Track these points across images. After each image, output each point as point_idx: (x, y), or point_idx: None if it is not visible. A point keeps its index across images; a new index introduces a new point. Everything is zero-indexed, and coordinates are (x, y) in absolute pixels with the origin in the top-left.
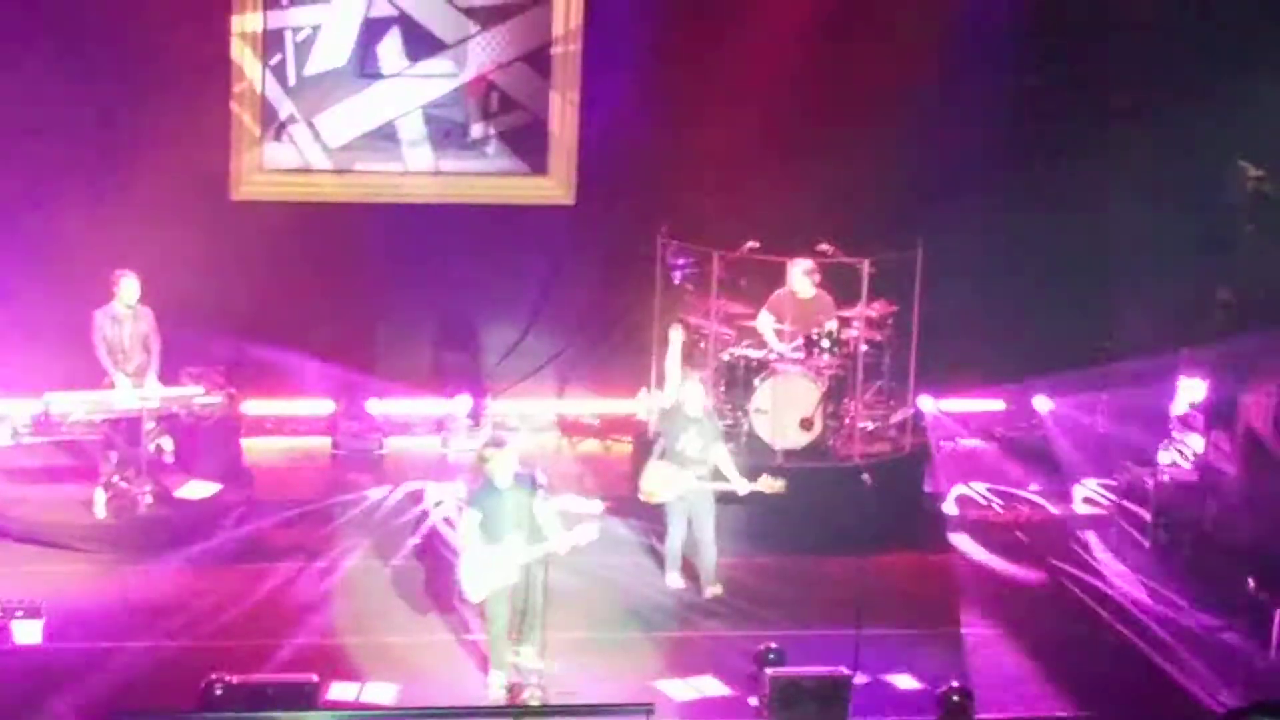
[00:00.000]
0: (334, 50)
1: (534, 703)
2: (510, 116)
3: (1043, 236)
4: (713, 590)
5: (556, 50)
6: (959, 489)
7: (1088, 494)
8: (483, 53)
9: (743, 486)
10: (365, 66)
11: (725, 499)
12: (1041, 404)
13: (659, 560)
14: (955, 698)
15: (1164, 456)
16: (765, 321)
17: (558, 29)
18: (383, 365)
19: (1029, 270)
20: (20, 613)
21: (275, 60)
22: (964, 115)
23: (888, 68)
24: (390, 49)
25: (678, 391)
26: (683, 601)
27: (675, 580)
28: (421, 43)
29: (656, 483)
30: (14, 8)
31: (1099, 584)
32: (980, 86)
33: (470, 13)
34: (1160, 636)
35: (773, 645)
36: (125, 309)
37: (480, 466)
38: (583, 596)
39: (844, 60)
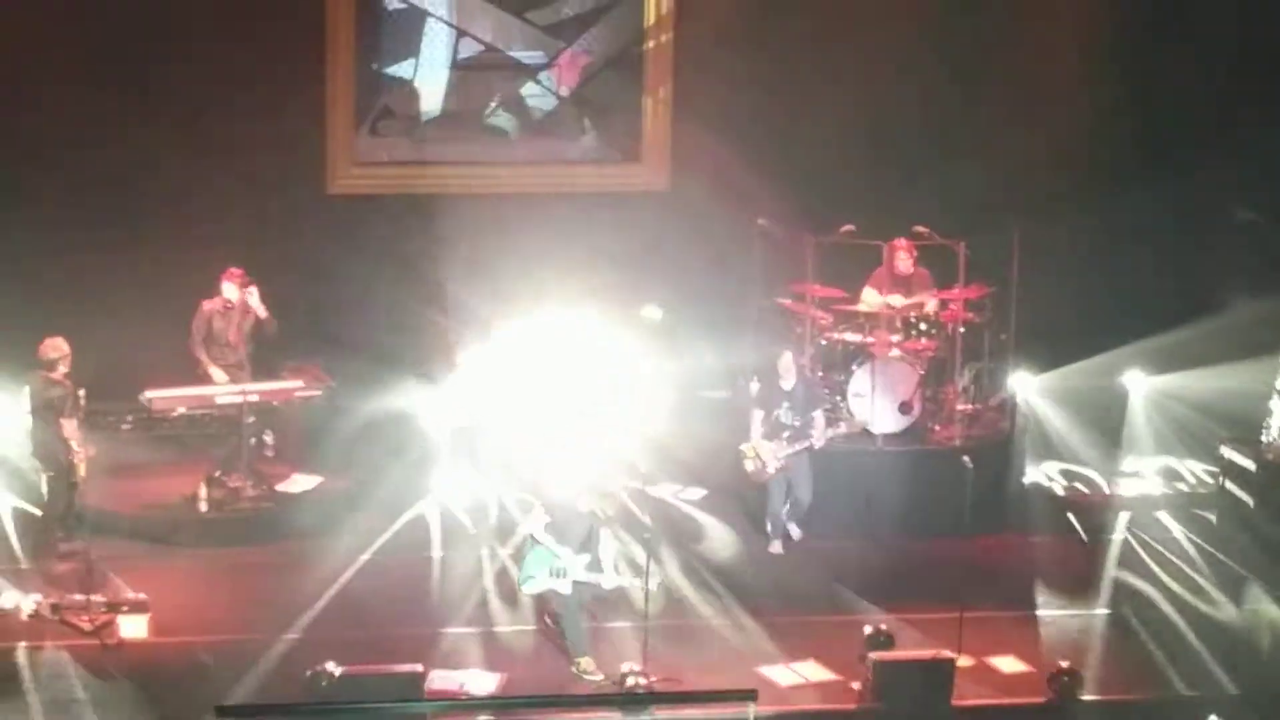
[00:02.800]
0: (430, 99)
1: (638, 690)
2: (604, 102)
3: (1141, 216)
4: (796, 529)
5: (648, 44)
6: (1057, 469)
7: (1186, 473)
8: (578, 37)
9: (825, 433)
10: (461, 56)
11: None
12: (1135, 380)
13: (758, 542)
14: (1065, 679)
15: (1267, 435)
16: (870, 294)
17: (649, 19)
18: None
19: (1127, 249)
20: (126, 608)
21: (375, 39)
22: (1061, 96)
23: (982, 49)
24: (483, 84)
25: (779, 368)
26: (784, 587)
27: (778, 548)
28: (524, 23)
29: (762, 457)
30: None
31: (1194, 564)
32: (1076, 66)
33: (552, 30)
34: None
35: (882, 627)
36: (230, 304)
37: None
38: (684, 583)
39: (938, 43)
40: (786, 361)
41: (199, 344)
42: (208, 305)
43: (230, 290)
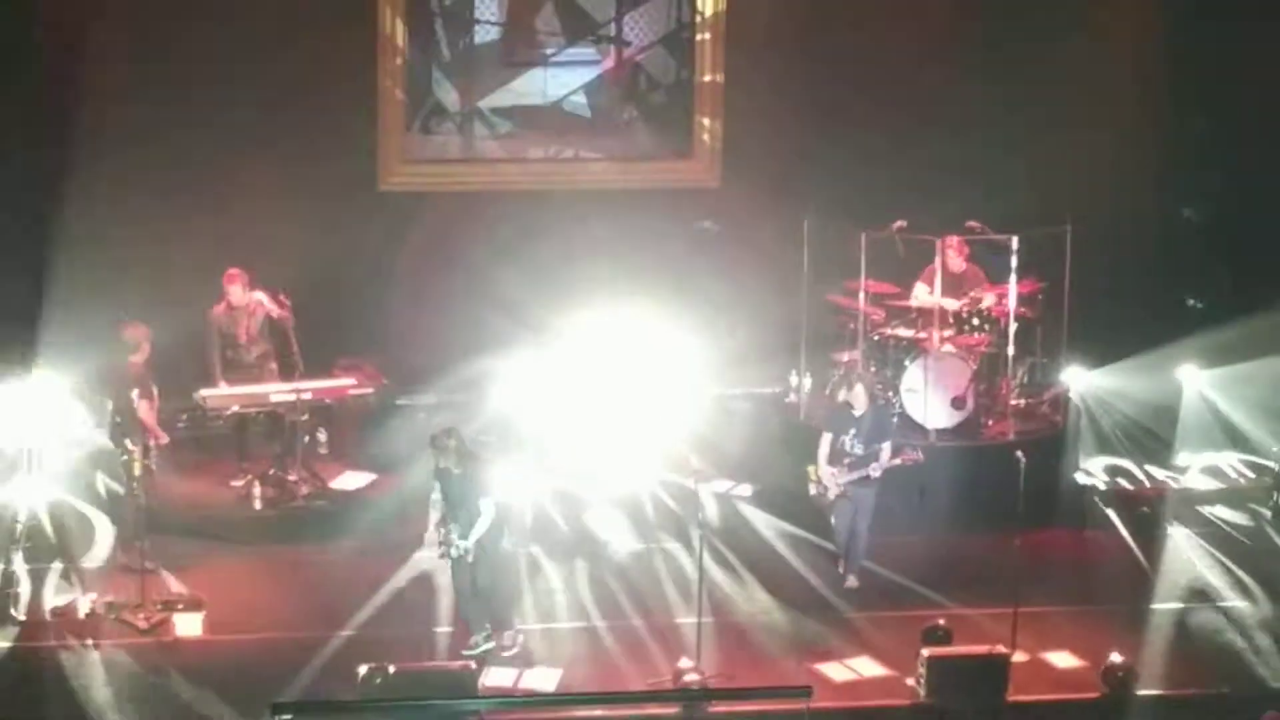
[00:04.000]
0: (480, 32)
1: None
2: (654, 98)
3: (1195, 209)
4: (854, 579)
5: (699, 40)
6: (1110, 464)
7: (1241, 467)
8: (628, 34)
9: (883, 463)
10: (520, 41)
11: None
12: (1189, 373)
13: (810, 542)
14: (1119, 674)
15: None
16: (921, 291)
17: (703, 8)
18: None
19: (1181, 242)
20: (182, 605)
21: (426, 37)
22: (1114, 90)
23: (1036, 42)
24: (546, 22)
25: (844, 392)
26: (839, 582)
27: (853, 581)
28: (574, 18)
29: (823, 481)
30: (175, 10)
31: (1249, 560)
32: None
33: (604, 26)
34: None
35: (941, 622)
36: (239, 303)
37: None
38: (740, 579)
39: (991, 37)
40: (859, 391)
41: (213, 351)
42: (215, 311)
43: (234, 292)
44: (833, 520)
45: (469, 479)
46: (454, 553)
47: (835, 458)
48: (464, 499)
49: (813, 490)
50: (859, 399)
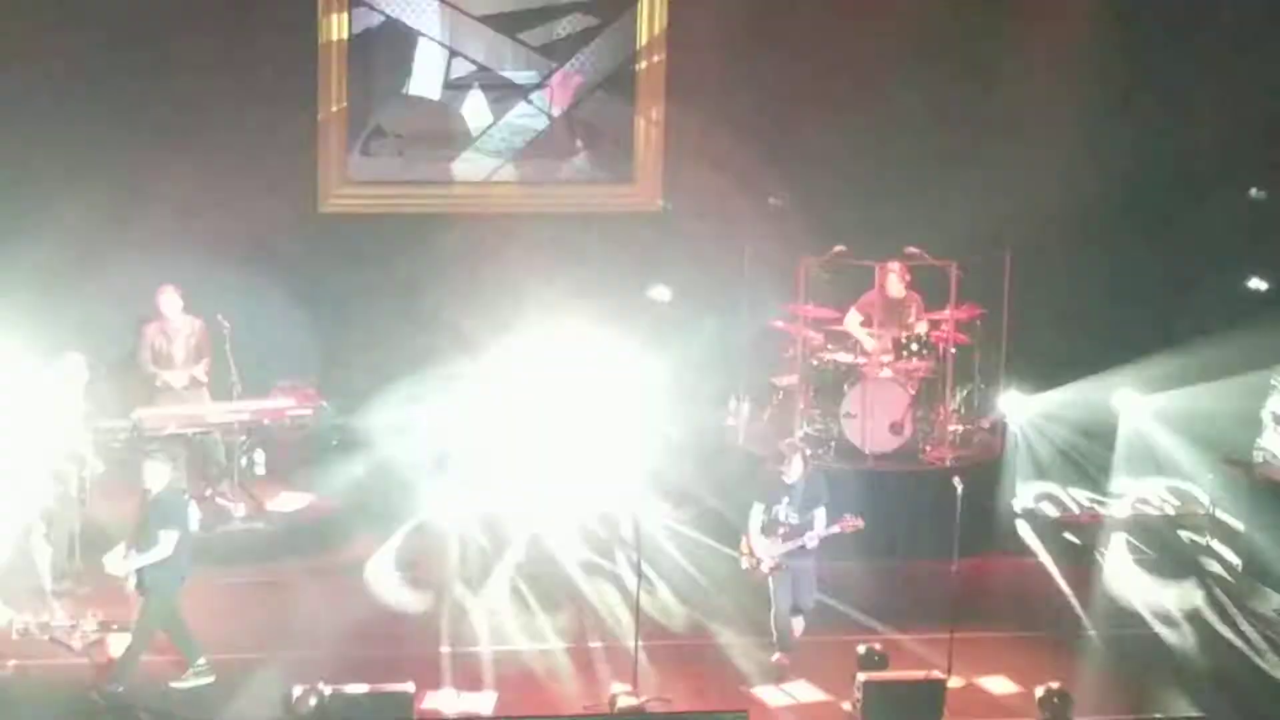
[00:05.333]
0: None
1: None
2: (596, 122)
3: (1133, 237)
4: (785, 659)
5: (640, 65)
6: (1047, 490)
7: (1177, 494)
8: (569, 57)
9: (822, 532)
10: (452, 76)
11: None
12: (1125, 401)
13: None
14: (1055, 700)
15: (1258, 456)
16: (853, 320)
17: (641, 40)
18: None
19: (1119, 270)
20: (117, 626)
21: (367, 58)
22: (1053, 117)
23: (975, 72)
24: (474, 106)
25: (781, 465)
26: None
27: (783, 660)
28: (504, 93)
29: (756, 554)
30: (103, 15)
31: (1189, 585)
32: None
33: (545, 50)
34: (1259, 637)
35: (876, 647)
36: (173, 322)
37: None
38: (676, 602)
39: (929, 65)
40: (794, 457)
41: (148, 365)
42: (147, 328)
43: (165, 302)
44: (773, 600)
45: (158, 505)
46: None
47: (769, 528)
48: (147, 524)
49: (744, 565)
50: (792, 464)
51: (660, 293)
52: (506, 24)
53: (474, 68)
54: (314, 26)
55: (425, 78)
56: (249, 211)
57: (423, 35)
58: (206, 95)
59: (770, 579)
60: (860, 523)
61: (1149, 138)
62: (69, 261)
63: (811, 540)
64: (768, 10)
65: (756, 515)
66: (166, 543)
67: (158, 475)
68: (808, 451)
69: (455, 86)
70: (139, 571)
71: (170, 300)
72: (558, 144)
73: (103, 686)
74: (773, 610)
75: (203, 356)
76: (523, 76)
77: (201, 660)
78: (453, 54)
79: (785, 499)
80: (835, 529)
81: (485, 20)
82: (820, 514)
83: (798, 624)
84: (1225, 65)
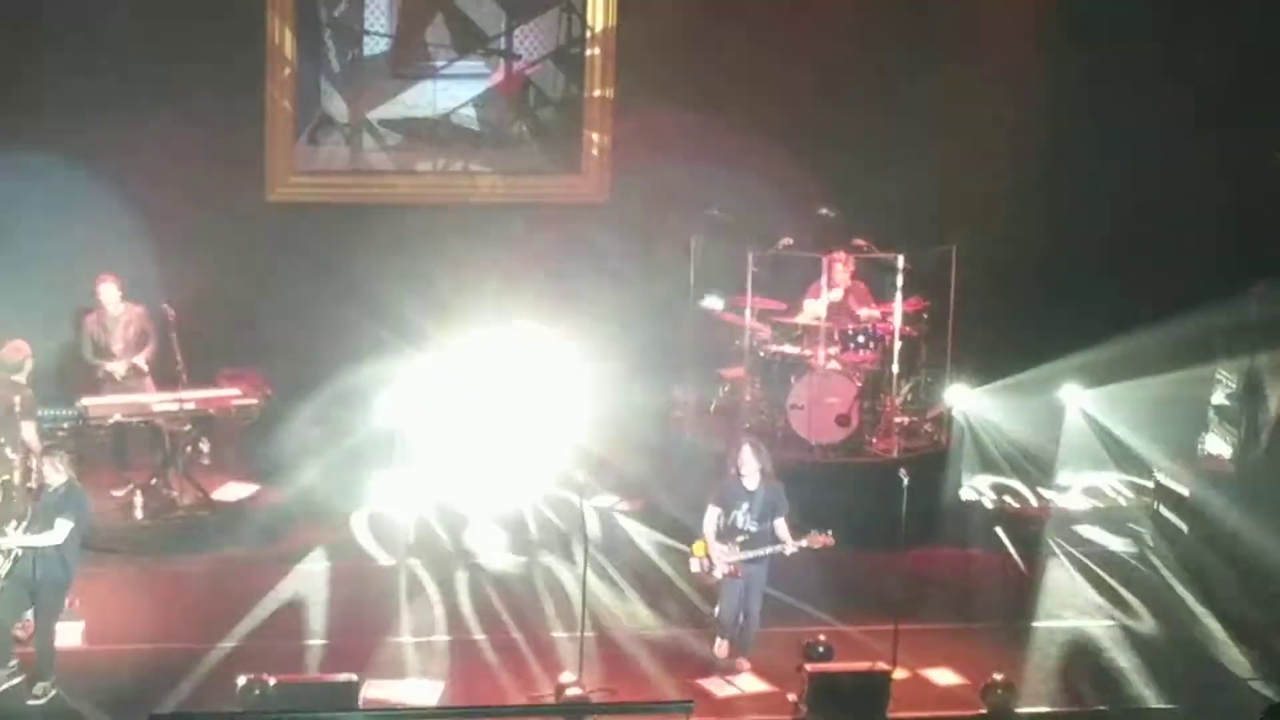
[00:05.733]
0: (369, 43)
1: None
2: (544, 113)
3: (1078, 229)
4: (746, 663)
5: (588, 55)
6: (993, 482)
7: (1122, 487)
8: (518, 48)
9: (790, 547)
10: (400, 67)
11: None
12: (1071, 393)
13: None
14: (999, 691)
15: (1202, 449)
16: (811, 306)
17: (593, 24)
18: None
19: (1064, 262)
20: (60, 615)
21: (311, 59)
22: (999, 109)
23: (920, 63)
24: (436, 35)
25: (734, 461)
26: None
27: (724, 650)
28: (465, 34)
29: (711, 558)
30: (47, 6)
31: (1127, 579)
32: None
33: (494, 40)
34: (1207, 630)
35: (821, 638)
36: (111, 311)
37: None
38: (623, 594)
39: (876, 55)
40: (746, 454)
41: (89, 355)
42: (87, 318)
43: (105, 291)
44: (720, 602)
45: (59, 495)
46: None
47: (725, 534)
48: (45, 511)
49: (695, 567)
50: (747, 465)
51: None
52: (454, 13)
53: (422, 57)
54: (262, 14)
55: (373, 67)
56: (196, 199)
57: (371, 24)
58: (153, 83)
59: (721, 586)
60: (831, 540)
61: (1095, 129)
62: (11, 249)
63: (790, 549)
64: (719, 4)
65: (712, 519)
66: (60, 529)
67: (57, 471)
68: (765, 454)
69: (404, 76)
70: (34, 564)
71: (108, 290)
72: (506, 134)
73: (35, 688)
74: (717, 612)
75: (145, 345)
76: (472, 67)
77: (13, 662)
78: (401, 43)
79: (745, 505)
80: (804, 543)
81: (434, 6)
82: (780, 524)
83: (753, 625)
84: (1171, 51)
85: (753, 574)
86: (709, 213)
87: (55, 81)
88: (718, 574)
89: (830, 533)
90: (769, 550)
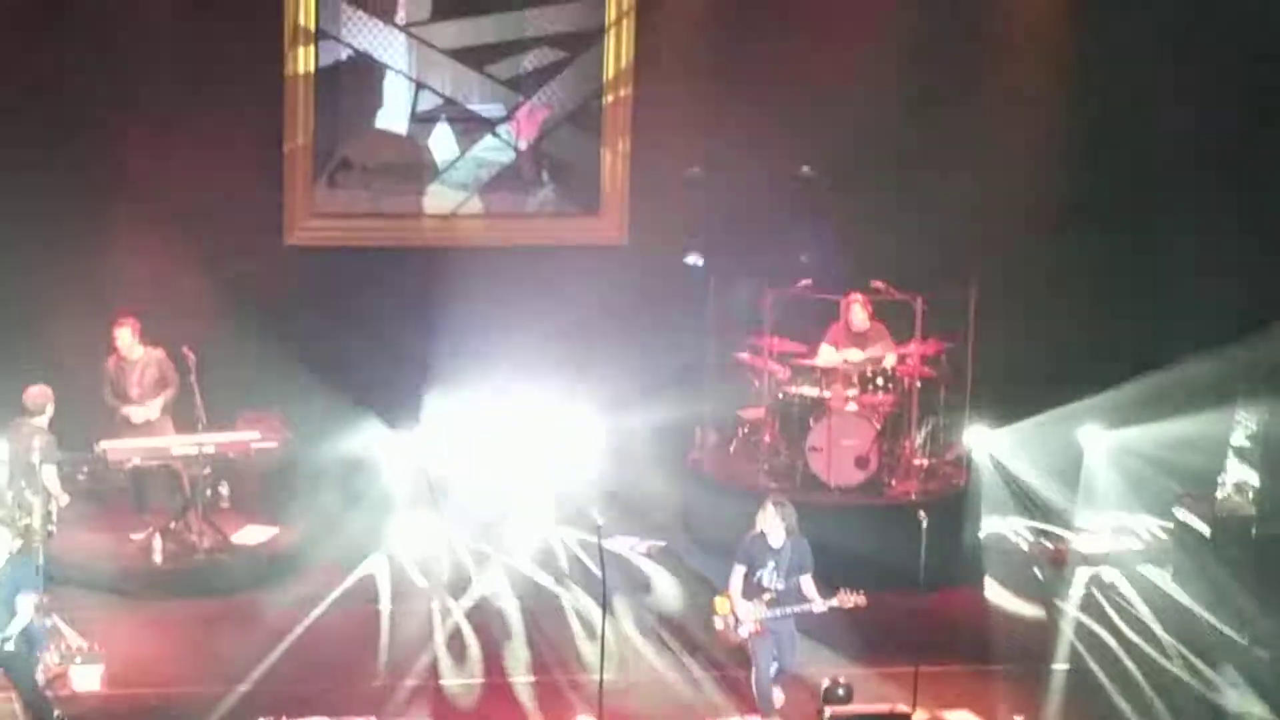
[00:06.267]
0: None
1: None
2: (561, 155)
3: (1098, 270)
4: (780, 694)
5: (607, 98)
6: (1013, 524)
7: (1141, 529)
8: (535, 91)
9: (819, 606)
10: (418, 109)
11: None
12: (1090, 435)
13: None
14: None
15: (1221, 490)
16: (827, 353)
17: (608, 74)
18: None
19: (1084, 305)
20: (79, 659)
21: (333, 90)
22: (1018, 150)
23: (940, 103)
24: (442, 140)
25: (757, 520)
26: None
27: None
28: (470, 126)
29: (737, 615)
30: (68, 50)
31: (1148, 620)
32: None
33: (512, 83)
34: (1227, 671)
35: (840, 680)
36: (128, 355)
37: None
38: (642, 636)
39: (895, 97)
40: (771, 515)
41: (108, 398)
42: (109, 360)
43: (121, 336)
44: (754, 663)
45: (11, 572)
46: None
47: (751, 591)
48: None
49: (719, 625)
50: (770, 523)
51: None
52: (473, 58)
53: (440, 101)
54: (280, 59)
55: (392, 111)
56: (215, 243)
57: (389, 68)
58: (173, 127)
59: (753, 645)
60: (862, 599)
61: (1114, 172)
62: (32, 291)
63: (820, 608)
64: (733, 45)
65: (738, 577)
66: (26, 607)
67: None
68: (790, 512)
69: (422, 119)
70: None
71: (123, 334)
72: (524, 177)
73: None
74: (754, 674)
75: (164, 389)
76: (489, 110)
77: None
78: (419, 87)
79: (771, 563)
80: (834, 603)
81: (452, 54)
82: (807, 580)
83: (779, 693)
84: (1193, 100)
85: (781, 630)
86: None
87: (74, 122)
88: (743, 633)
89: (862, 592)
90: (796, 609)
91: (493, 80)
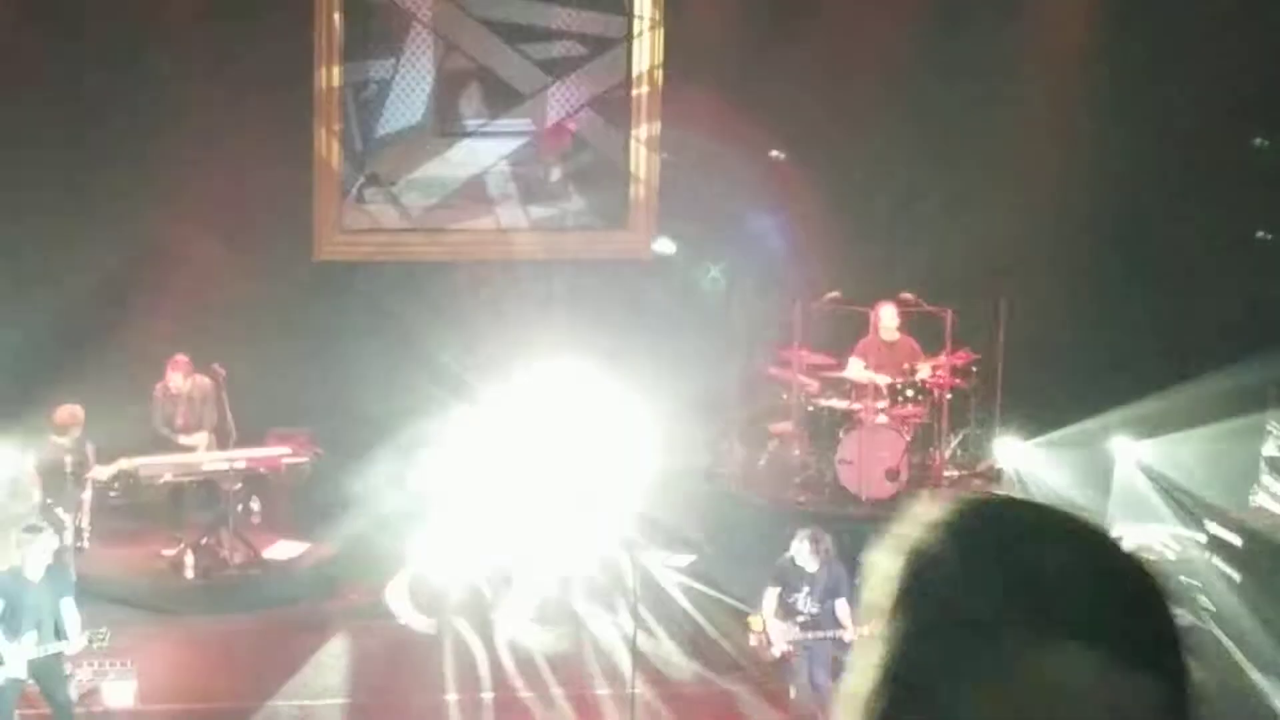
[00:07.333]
0: (410, 105)
1: None
2: (588, 169)
3: (1128, 281)
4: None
5: (634, 93)
6: None
7: (1173, 541)
8: (558, 104)
9: (850, 634)
10: (446, 124)
11: None
12: (1121, 446)
13: (743, 614)
14: None
15: (1253, 502)
16: (856, 367)
17: (636, 70)
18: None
19: (1114, 317)
20: (112, 675)
21: (349, 120)
22: (1049, 161)
23: (970, 115)
24: (470, 103)
25: (792, 548)
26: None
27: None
28: (500, 95)
29: (769, 635)
30: (95, 69)
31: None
32: (1063, 131)
33: (544, 65)
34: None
35: None
36: (177, 388)
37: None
38: (673, 651)
39: (924, 107)
40: (803, 547)
41: (159, 426)
42: (158, 389)
43: (173, 380)
44: (792, 688)
45: (54, 578)
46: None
47: (785, 613)
48: (45, 605)
49: (753, 641)
50: (804, 552)
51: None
52: (506, 31)
53: (468, 116)
54: (308, 75)
55: (419, 125)
56: (244, 259)
57: (417, 82)
58: (200, 144)
59: (788, 666)
60: None
61: (1145, 182)
62: (64, 311)
63: (851, 634)
64: (762, 51)
65: (771, 599)
66: (71, 610)
67: (45, 551)
68: (826, 544)
69: (449, 134)
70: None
71: (175, 378)
72: (551, 191)
73: None
74: (792, 694)
75: (210, 418)
76: (515, 124)
77: None
78: (447, 102)
79: (805, 588)
80: (865, 632)
81: (478, 74)
82: (842, 605)
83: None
84: (1223, 109)
85: (815, 650)
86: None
87: (102, 143)
88: (775, 653)
89: None
90: (829, 634)
91: (519, 93)
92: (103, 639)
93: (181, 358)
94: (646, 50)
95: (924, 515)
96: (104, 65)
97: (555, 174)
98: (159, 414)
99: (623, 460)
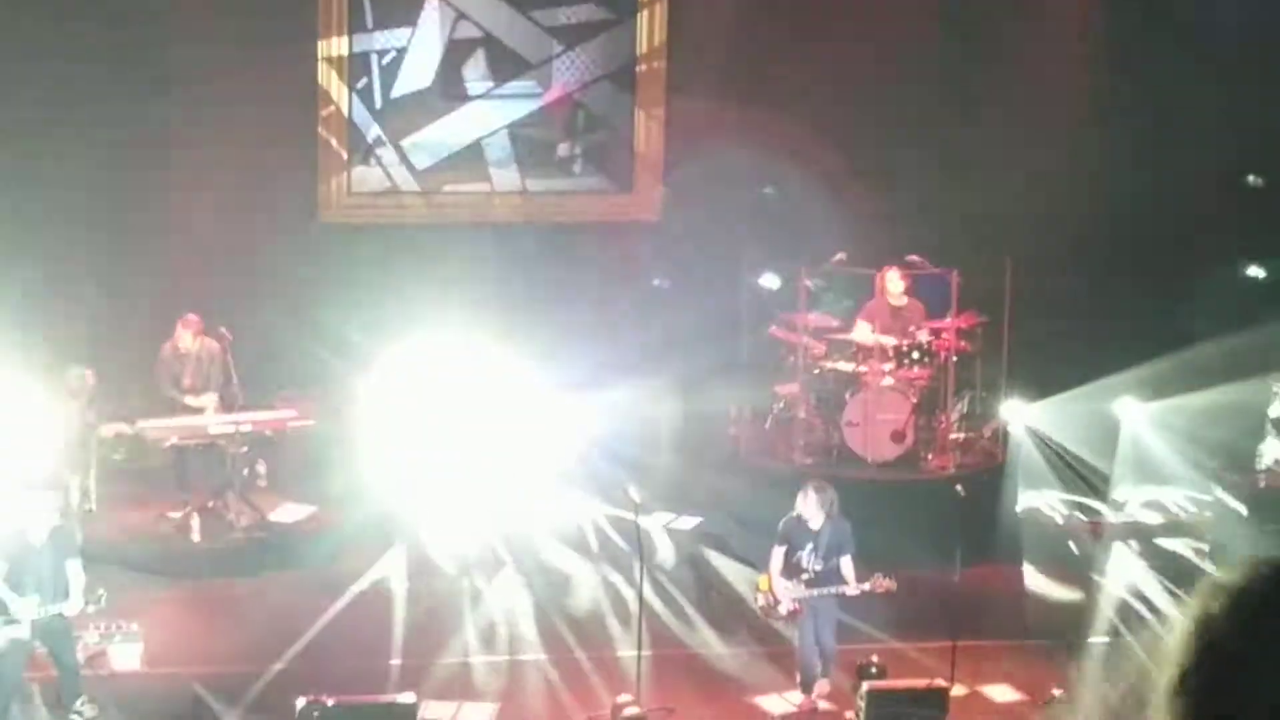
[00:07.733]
0: (420, 71)
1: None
2: (595, 134)
3: (1134, 242)
4: (826, 684)
5: (641, 68)
6: (1050, 498)
7: (1178, 503)
8: (567, 71)
9: (853, 589)
10: (451, 88)
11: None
12: (1127, 408)
13: (751, 575)
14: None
15: (1260, 463)
16: (863, 329)
17: (642, 46)
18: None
19: (1119, 279)
20: (119, 637)
21: (361, 84)
22: (1055, 124)
23: (976, 80)
24: (476, 69)
25: (797, 503)
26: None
27: (806, 703)
28: (506, 62)
29: (775, 594)
30: (101, 34)
31: (1184, 593)
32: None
33: (554, 32)
34: None
35: (874, 659)
36: (186, 347)
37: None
38: (680, 612)
39: (930, 71)
40: (810, 500)
41: (166, 385)
42: (163, 349)
43: (183, 338)
44: (797, 637)
45: (59, 540)
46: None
47: (790, 571)
48: (48, 566)
49: (760, 601)
50: (809, 507)
51: (661, 301)
52: (508, 55)
53: (474, 80)
54: (314, 39)
55: (425, 89)
56: (250, 222)
57: (423, 48)
58: (207, 108)
59: (794, 622)
60: (893, 585)
61: (1150, 144)
62: (70, 273)
63: (852, 591)
64: (768, 20)
65: (777, 557)
66: (77, 571)
67: (50, 513)
68: (830, 496)
69: (455, 98)
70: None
71: (185, 337)
72: (557, 154)
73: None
74: (799, 652)
75: (218, 379)
76: (522, 88)
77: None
78: (453, 67)
79: (810, 544)
80: (866, 587)
81: (484, 42)
82: (846, 562)
83: (826, 654)
84: (1225, 70)
85: (820, 608)
86: (764, 191)
87: (109, 107)
88: (782, 611)
89: (892, 577)
90: (833, 590)
91: (526, 60)
92: (99, 600)
93: (193, 316)
94: (656, 22)
95: (1214, 584)
96: (113, 26)
97: (561, 137)
98: (167, 373)
99: (631, 421)
